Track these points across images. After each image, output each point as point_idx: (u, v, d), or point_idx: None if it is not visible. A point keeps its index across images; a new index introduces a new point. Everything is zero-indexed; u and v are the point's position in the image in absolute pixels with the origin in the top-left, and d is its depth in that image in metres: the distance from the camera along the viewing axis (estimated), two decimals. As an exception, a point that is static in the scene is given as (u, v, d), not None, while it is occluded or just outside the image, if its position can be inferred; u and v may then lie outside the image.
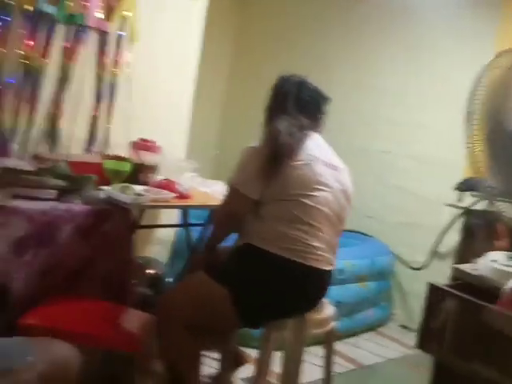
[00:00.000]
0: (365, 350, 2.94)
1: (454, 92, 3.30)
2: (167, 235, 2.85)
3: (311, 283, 1.71)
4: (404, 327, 3.40)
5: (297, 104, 1.79)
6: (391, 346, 3.08)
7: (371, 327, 3.25)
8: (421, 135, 3.47)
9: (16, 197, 1.71)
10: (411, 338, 3.13)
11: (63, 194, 1.86)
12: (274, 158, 1.64)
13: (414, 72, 3.52)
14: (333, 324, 1.99)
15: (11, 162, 1.92)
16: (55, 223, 1.77)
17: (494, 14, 3.13)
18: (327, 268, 1.73)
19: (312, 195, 1.66)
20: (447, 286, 1.43)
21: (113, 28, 2.35)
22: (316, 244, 1.67)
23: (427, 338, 1.43)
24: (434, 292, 1.41)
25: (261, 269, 1.65)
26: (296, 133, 1.70)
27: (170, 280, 2.59)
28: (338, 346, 2.21)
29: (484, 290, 1.44)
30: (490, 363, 1.29)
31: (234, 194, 1.72)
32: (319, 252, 1.68)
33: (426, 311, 1.43)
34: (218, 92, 4.48)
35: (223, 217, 1.81)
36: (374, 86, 3.68)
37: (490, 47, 2.97)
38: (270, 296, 1.65)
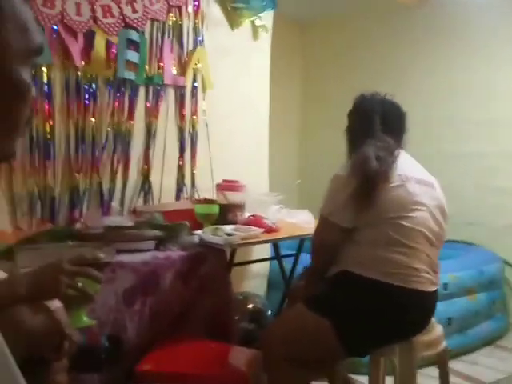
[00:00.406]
0: (483, 366, 2.75)
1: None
2: (262, 268, 2.90)
3: (416, 307, 1.65)
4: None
5: (382, 123, 1.76)
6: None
7: (488, 341, 3.04)
8: (508, 131, 3.27)
9: (120, 251, 1.86)
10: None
11: (161, 243, 1.98)
12: (366, 186, 1.61)
13: (495, 69, 3.35)
14: (444, 344, 1.90)
15: (112, 220, 2.09)
16: (157, 271, 1.88)
17: None
18: (431, 289, 1.66)
19: (409, 216, 1.62)
20: None
21: (187, 81, 2.50)
22: (417, 266, 1.62)
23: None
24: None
25: (362, 296, 1.62)
26: (386, 156, 1.66)
27: (270, 312, 2.63)
28: (454, 364, 2.10)
29: None
30: None
31: (325, 223, 1.72)
32: (421, 274, 1.62)
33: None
34: (293, 121, 4.55)
35: (318, 247, 1.80)
36: (457, 87, 3.54)
37: None
38: (374, 324, 1.61)
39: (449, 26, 3.56)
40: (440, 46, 3.62)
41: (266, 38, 2.80)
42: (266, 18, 2.76)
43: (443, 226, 1.74)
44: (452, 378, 2.03)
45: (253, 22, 2.72)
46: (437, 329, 1.86)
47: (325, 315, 1.61)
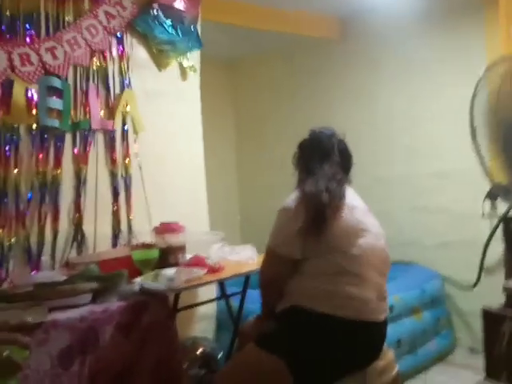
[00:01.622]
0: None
1: (460, 104, 3.30)
2: (209, 310, 2.81)
3: (368, 338, 1.65)
4: (472, 350, 3.22)
5: (335, 157, 1.79)
6: (463, 374, 2.91)
7: (439, 358, 3.09)
8: (435, 153, 3.44)
9: (53, 309, 1.73)
10: (481, 361, 2.96)
11: (98, 296, 1.87)
12: (317, 218, 1.61)
13: (414, 95, 3.54)
14: (396, 368, 1.90)
15: (43, 276, 1.96)
16: (95, 327, 1.76)
17: (478, 29, 3.17)
18: (382, 318, 1.67)
19: (357, 244, 1.64)
20: (501, 309, 1.36)
21: (116, 124, 2.44)
22: (367, 295, 1.62)
23: (494, 366, 1.34)
24: (489, 317, 1.34)
25: (315, 332, 1.59)
26: (336, 188, 1.68)
27: (221, 354, 2.54)
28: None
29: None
30: None
31: (273, 256, 1.70)
32: (372, 304, 1.63)
33: (486, 338, 1.35)
34: (229, 159, 4.57)
35: (266, 282, 1.77)
36: (379, 115, 3.70)
37: (482, 58, 2.99)
38: (329, 359, 1.59)
39: (370, 58, 3.75)
40: (364, 77, 3.79)
41: (194, 78, 2.80)
42: (193, 58, 2.77)
43: (387, 252, 1.77)
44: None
45: (180, 63, 2.71)
46: (388, 354, 1.86)
47: (279, 354, 1.57)
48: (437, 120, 3.43)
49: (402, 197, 3.60)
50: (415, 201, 3.54)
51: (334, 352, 1.58)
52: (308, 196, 1.65)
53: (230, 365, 1.93)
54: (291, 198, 1.72)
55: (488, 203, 2.80)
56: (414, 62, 3.51)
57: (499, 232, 2.81)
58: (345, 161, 1.83)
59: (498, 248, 2.87)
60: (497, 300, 1.88)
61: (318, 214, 1.60)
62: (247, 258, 2.30)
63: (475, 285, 3.06)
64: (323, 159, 1.77)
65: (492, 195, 2.75)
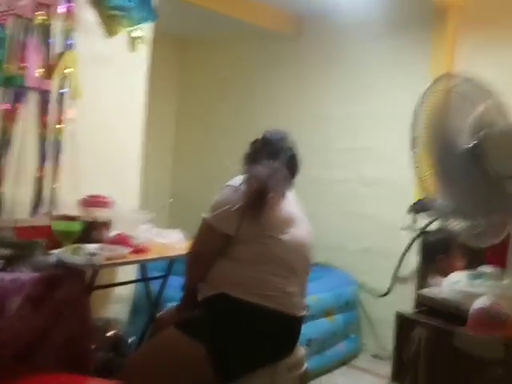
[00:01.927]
0: (340, 386, 2.89)
1: (397, 115, 3.44)
2: (125, 292, 2.73)
3: (288, 331, 1.69)
4: (376, 356, 3.38)
5: (282, 158, 1.81)
6: (365, 379, 3.05)
7: (343, 361, 3.21)
8: (371, 161, 3.56)
9: (-43, 271, 1.60)
10: (384, 368, 3.12)
11: (10, 263, 1.75)
12: (258, 200, 1.64)
13: (357, 100, 3.64)
14: (305, 365, 1.95)
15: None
16: (2, 295, 1.65)
17: (426, 40, 3.30)
18: (301, 314, 1.72)
19: (289, 233, 1.69)
20: (414, 314, 1.43)
21: (54, 86, 2.30)
22: (292, 290, 1.66)
23: (401, 370, 1.41)
24: (402, 322, 1.40)
25: (237, 319, 1.60)
26: (280, 180, 1.72)
27: (132, 339, 2.47)
28: (312, 384, 2.17)
29: (450, 313, 1.44)
30: (467, 389, 1.28)
31: (207, 229, 1.69)
32: (294, 298, 1.67)
33: (397, 342, 1.42)
34: (167, 139, 4.47)
35: (193, 257, 1.76)
36: (321, 116, 3.78)
37: (426, 71, 3.14)
38: (249, 348, 1.60)
39: (321, 57, 3.81)
40: (313, 76, 3.84)
41: (143, 51, 2.70)
42: (145, 30, 2.67)
43: (312, 253, 1.83)
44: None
45: (130, 33, 2.60)
46: (299, 351, 1.90)
47: (198, 339, 1.56)
48: (375, 127, 3.55)
49: (333, 200, 3.69)
50: (344, 206, 3.65)
51: (255, 341, 1.60)
52: (253, 178, 1.68)
53: (146, 347, 1.89)
54: (237, 178, 1.74)
55: (410, 216, 2.95)
56: (362, 66, 3.60)
57: (416, 245, 2.98)
58: (291, 165, 1.86)
59: (413, 259, 3.03)
60: (406, 309, 1.98)
61: (259, 197, 1.64)
62: (174, 242, 2.26)
63: (387, 293, 3.21)
64: (271, 157, 1.80)
65: (415, 209, 2.90)
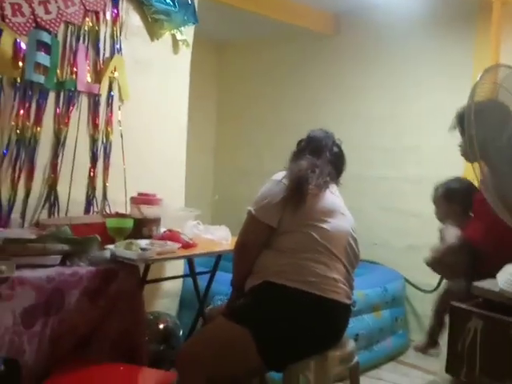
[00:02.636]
0: (388, 381, 2.86)
1: (440, 114, 3.37)
2: (174, 287, 2.80)
3: (334, 316, 1.69)
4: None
5: (327, 155, 1.86)
6: (414, 374, 3.00)
7: (391, 357, 3.17)
8: (413, 158, 3.51)
9: (20, 267, 1.69)
10: (432, 363, 3.06)
11: (68, 258, 1.84)
12: (298, 190, 1.69)
13: (400, 97, 3.59)
14: (356, 358, 1.94)
15: (12, 232, 1.91)
16: (62, 289, 1.74)
17: (469, 37, 3.23)
18: (347, 301, 1.72)
19: (331, 221, 1.71)
20: (470, 305, 1.41)
21: (102, 89, 2.39)
22: (335, 276, 1.67)
23: (456, 362, 1.39)
24: (457, 313, 1.38)
25: (282, 304, 1.63)
26: (321, 174, 1.76)
27: (181, 333, 2.53)
28: (360, 380, 2.15)
29: (506, 305, 1.41)
30: (526, 380, 1.25)
31: (252, 220, 1.73)
32: (339, 284, 1.68)
33: (451, 334, 1.40)
34: (208, 139, 4.55)
35: (240, 247, 1.79)
36: (363, 115, 3.74)
37: (469, 69, 3.06)
38: (294, 332, 1.61)
39: (360, 57, 3.77)
40: (353, 75, 3.81)
41: (186, 53, 2.77)
42: (187, 33, 2.73)
43: (357, 245, 1.82)
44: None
45: (173, 36, 2.67)
46: (349, 343, 1.90)
47: (244, 324, 1.59)
48: (419, 125, 3.49)
49: (376, 198, 3.66)
50: (388, 202, 3.60)
51: (300, 326, 1.61)
52: (294, 170, 1.74)
53: (195, 337, 1.95)
54: (280, 173, 1.78)
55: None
56: (404, 64, 3.55)
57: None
58: (336, 162, 1.90)
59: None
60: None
61: (298, 187, 1.69)
62: (221, 238, 2.30)
63: (436, 288, 3.16)
64: (314, 154, 1.85)
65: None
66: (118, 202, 2.41)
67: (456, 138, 1.87)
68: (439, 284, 3.12)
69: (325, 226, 1.70)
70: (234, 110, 4.54)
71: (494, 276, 1.45)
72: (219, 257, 2.46)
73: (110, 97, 2.43)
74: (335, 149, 1.91)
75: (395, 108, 3.61)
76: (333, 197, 1.79)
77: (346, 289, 1.71)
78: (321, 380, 1.74)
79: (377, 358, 3.02)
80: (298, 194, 1.69)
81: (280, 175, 1.77)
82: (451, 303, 1.41)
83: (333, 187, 1.84)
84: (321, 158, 1.84)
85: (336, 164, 1.90)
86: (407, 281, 3.44)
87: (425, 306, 3.36)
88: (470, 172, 3.11)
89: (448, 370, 1.44)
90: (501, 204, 1.46)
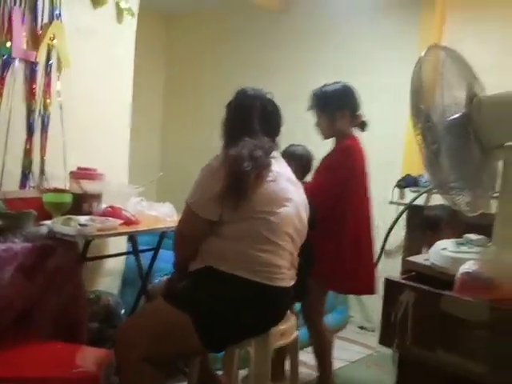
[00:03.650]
0: (328, 356, 2.96)
1: (390, 88, 3.44)
2: (116, 265, 2.75)
3: (278, 302, 1.69)
4: (362, 328, 3.46)
5: (261, 122, 1.74)
6: (352, 349, 3.12)
7: (332, 332, 3.27)
8: (361, 136, 3.57)
9: (-52, 241, 1.60)
10: (370, 338, 3.20)
11: (2, 233, 1.75)
12: (236, 185, 1.58)
13: (347, 77, 3.63)
14: (296, 333, 1.99)
15: None
16: (-5, 265, 1.66)
17: (415, 18, 3.31)
18: (290, 284, 1.72)
19: (277, 212, 1.64)
20: (403, 278, 1.47)
21: (40, 57, 2.27)
22: (280, 263, 1.65)
23: (389, 333, 1.45)
24: (391, 286, 1.44)
25: (225, 292, 1.60)
26: (261, 156, 1.64)
27: (123, 311, 2.50)
28: (300, 355, 2.21)
29: (438, 278, 1.48)
30: (453, 349, 1.32)
31: (190, 213, 1.67)
32: (283, 270, 1.67)
33: (385, 306, 1.45)
34: (155, 114, 4.44)
35: (180, 237, 1.75)
36: (312, 89, 3.76)
37: (415, 46, 3.14)
38: (237, 319, 1.61)
39: (310, 33, 3.79)
40: (301, 51, 3.83)
41: (131, 23, 2.67)
42: (132, 2, 2.63)
43: (305, 222, 1.80)
44: (299, 369, 2.14)
45: (117, 4, 2.57)
46: (290, 318, 1.94)
47: (185, 310, 1.57)
48: (366, 103, 3.55)
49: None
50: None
51: (243, 314, 1.61)
52: (230, 161, 1.62)
53: (135, 317, 1.92)
54: (217, 157, 1.69)
55: (397, 191, 2.99)
56: (352, 41, 3.60)
57: (403, 219, 3.03)
58: (270, 125, 1.79)
59: (399, 234, 3.09)
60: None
61: (237, 182, 1.58)
62: (165, 214, 2.27)
63: (374, 266, 3.27)
64: (245, 124, 1.73)
65: (402, 184, 2.95)
66: (57, 176, 2.31)
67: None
68: (377, 262, 3.25)
69: (268, 217, 1.63)
70: (183, 83, 4.45)
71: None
72: (163, 234, 2.43)
73: (48, 65, 2.31)
74: (267, 108, 1.78)
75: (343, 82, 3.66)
76: (275, 184, 1.67)
77: (289, 273, 1.70)
78: (261, 354, 1.77)
79: (317, 334, 3.11)
80: (237, 189, 1.59)
81: (215, 162, 1.65)
82: (385, 277, 1.46)
83: (275, 161, 1.73)
84: (251, 127, 1.71)
85: (269, 127, 1.78)
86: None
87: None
88: (411, 152, 3.20)
89: (381, 341, 1.50)
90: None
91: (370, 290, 2.27)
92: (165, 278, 2.02)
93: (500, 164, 1.53)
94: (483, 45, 2.97)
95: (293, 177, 1.82)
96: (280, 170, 1.74)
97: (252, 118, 1.74)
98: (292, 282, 1.74)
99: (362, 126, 2.30)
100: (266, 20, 3.99)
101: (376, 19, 3.50)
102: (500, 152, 1.50)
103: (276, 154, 1.79)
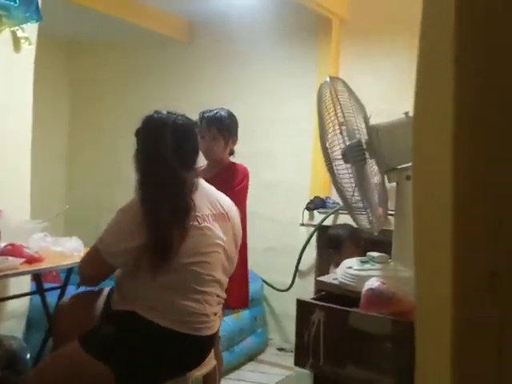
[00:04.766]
0: (248, 381, 2.96)
1: (291, 120, 3.60)
2: (20, 306, 2.56)
3: (203, 350, 1.67)
4: (281, 349, 3.50)
5: (174, 150, 1.59)
6: (272, 372, 3.14)
7: (251, 356, 3.28)
8: (269, 163, 3.69)
9: None
10: (290, 359, 3.24)
11: None
12: (162, 249, 1.51)
13: (252, 105, 3.74)
14: (214, 362, 1.97)
15: None
16: None
17: (313, 50, 3.51)
18: (215, 330, 1.69)
19: (204, 261, 1.59)
20: (313, 298, 1.52)
21: None
22: (208, 311, 1.61)
23: (303, 353, 1.49)
24: (302, 307, 1.48)
25: (150, 344, 1.54)
26: (181, 206, 1.54)
27: (29, 356, 2.33)
28: (222, 382, 2.19)
29: (346, 296, 1.56)
30: (362, 364, 1.39)
31: (96, 257, 1.59)
32: (211, 318, 1.63)
33: (298, 327, 1.50)
34: (60, 144, 4.27)
35: (82, 278, 1.68)
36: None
37: (312, 79, 3.33)
38: (161, 368, 1.58)
39: (215, 63, 3.87)
40: (208, 81, 3.89)
41: (29, 52, 2.55)
42: (29, 31, 2.52)
43: (235, 257, 1.75)
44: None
45: (14, 33, 2.45)
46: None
47: (106, 361, 1.48)
48: (271, 132, 3.68)
49: (234, 203, 3.76)
50: (251, 207, 3.73)
51: (165, 362, 1.57)
52: (152, 226, 1.51)
53: (46, 363, 1.76)
54: (133, 204, 1.57)
55: (306, 213, 3.11)
56: (256, 72, 3.73)
57: (314, 239, 3.15)
58: (185, 152, 1.64)
59: (312, 254, 3.20)
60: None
61: (160, 246, 1.51)
62: (72, 249, 2.16)
63: (289, 287, 3.36)
64: (157, 158, 1.59)
65: (311, 206, 3.07)
66: (-51, 215, 2.13)
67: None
68: (292, 284, 3.34)
69: (195, 268, 1.56)
70: (88, 114, 4.33)
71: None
72: (70, 271, 2.31)
73: None
74: (179, 127, 1.63)
75: (248, 114, 3.75)
76: (200, 232, 1.57)
77: (216, 317, 1.67)
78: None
79: (237, 359, 3.10)
80: (162, 253, 1.50)
81: (133, 210, 1.54)
82: (297, 298, 1.51)
83: (197, 193, 1.62)
84: (168, 167, 1.56)
85: (186, 148, 1.64)
86: (265, 281, 3.59)
87: (281, 304, 3.55)
88: (318, 176, 3.37)
89: (296, 362, 1.54)
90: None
91: (242, 303, 2.33)
92: (74, 294, 1.89)
93: (394, 185, 1.66)
94: (375, 75, 3.23)
95: (221, 207, 1.70)
96: (205, 209, 1.63)
97: (164, 149, 1.58)
98: (217, 326, 1.70)
99: (233, 151, 2.34)
100: (171, 51, 4.02)
101: (276, 52, 3.66)
102: (394, 174, 1.63)
103: (200, 182, 1.69)
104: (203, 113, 2.23)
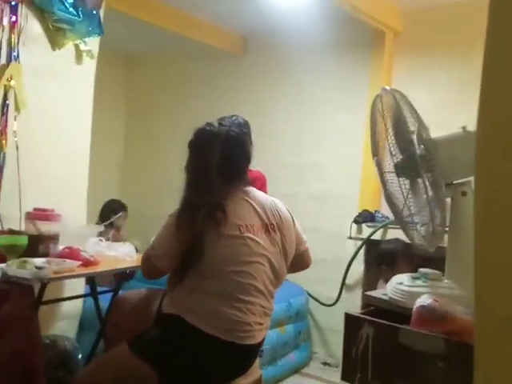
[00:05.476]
0: (293, 394, 2.94)
1: (341, 131, 3.59)
2: (73, 308, 2.66)
3: (244, 359, 1.68)
4: (325, 364, 3.46)
5: (221, 163, 1.63)
6: (317, 386, 3.11)
7: (295, 370, 3.26)
8: (318, 175, 3.68)
9: None
10: (334, 374, 3.20)
11: (-48, 279, 1.68)
12: (194, 246, 1.56)
13: (303, 116, 3.76)
14: (259, 372, 1.97)
15: None
16: None
17: (365, 62, 3.50)
18: (259, 339, 1.67)
19: (244, 271, 1.59)
20: (362, 313, 1.50)
21: (-2, 98, 2.24)
22: (250, 320, 1.60)
23: (350, 368, 1.47)
24: (351, 321, 1.47)
25: (192, 349, 1.56)
26: (217, 213, 1.57)
27: (81, 356, 2.41)
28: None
29: (396, 312, 1.53)
30: (412, 381, 1.35)
31: (147, 258, 1.68)
32: (254, 327, 1.62)
33: (346, 341, 1.48)
34: (116, 153, 4.43)
35: (148, 277, 1.77)
36: (269, 133, 3.87)
37: (364, 91, 3.31)
38: (204, 376, 1.60)
39: (267, 76, 3.93)
40: (259, 93, 3.95)
41: (90, 65, 2.68)
42: (92, 44, 2.65)
43: (283, 268, 1.72)
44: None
45: (77, 46, 2.59)
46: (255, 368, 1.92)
47: (151, 362, 1.52)
48: (321, 143, 3.68)
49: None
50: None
51: (205, 368, 1.59)
52: (186, 221, 1.57)
53: (96, 364, 1.84)
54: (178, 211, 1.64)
55: (354, 227, 3.07)
56: (307, 84, 3.75)
57: (362, 253, 3.10)
58: (231, 165, 1.68)
59: (358, 268, 3.15)
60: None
61: (195, 247, 1.55)
62: (125, 254, 2.23)
63: (336, 302, 3.31)
64: (204, 167, 1.63)
65: (359, 219, 3.03)
66: (12, 218, 2.25)
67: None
68: (338, 298, 3.29)
69: (236, 277, 1.57)
70: (144, 125, 4.48)
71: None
72: (122, 275, 2.39)
73: (5, 106, 2.29)
74: (228, 146, 1.65)
75: (299, 126, 3.78)
76: (241, 242, 1.58)
77: (260, 327, 1.65)
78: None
79: (281, 372, 3.09)
80: (195, 255, 1.55)
81: (178, 215, 1.60)
82: (345, 312, 1.49)
83: (242, 204, 1.65)
84: (210, 171, 1.60)
85: (230, 167, 1.66)
86: (310, 295, 3.56)
87: (326, 318, 3.51)
88: (367, 189, 3.33)
89: (343, 377, 1.52)
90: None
91: None
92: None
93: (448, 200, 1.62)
94: (427, 89, 3.17)
95: (271, 215, 1.70)
96: (248, 220, 1.63)
97: (210, 160, 1.62)
98: (261, 337, 1.68)
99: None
100: (226, 64, 4.11)
101: (328, 65, 3.67)
102: (449, 189, 1.59)
103: (245, 192, 1.69)
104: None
